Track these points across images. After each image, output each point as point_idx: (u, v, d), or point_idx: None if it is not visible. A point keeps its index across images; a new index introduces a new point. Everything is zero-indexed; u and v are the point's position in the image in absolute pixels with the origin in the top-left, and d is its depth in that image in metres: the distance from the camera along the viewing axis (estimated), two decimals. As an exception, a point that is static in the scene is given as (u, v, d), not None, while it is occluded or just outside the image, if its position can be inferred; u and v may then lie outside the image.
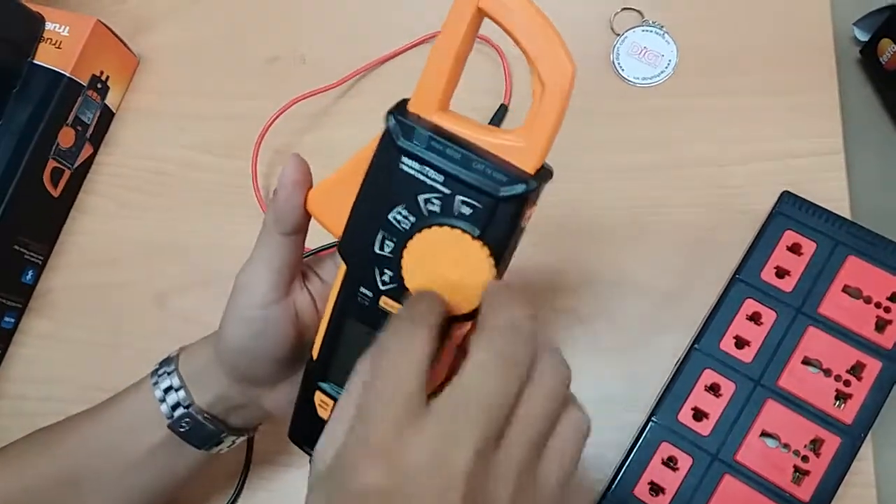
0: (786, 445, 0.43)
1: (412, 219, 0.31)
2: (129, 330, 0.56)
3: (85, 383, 0.55)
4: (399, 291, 0.32)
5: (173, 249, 0.58)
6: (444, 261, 0.31)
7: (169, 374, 0.40)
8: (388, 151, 0.31)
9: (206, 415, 0.40)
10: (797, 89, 0.54)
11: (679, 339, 0.49)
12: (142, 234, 0.58)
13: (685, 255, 0.51)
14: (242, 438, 0.43)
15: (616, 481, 0.44)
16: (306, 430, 0.38)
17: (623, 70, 0.56)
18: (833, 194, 0.50)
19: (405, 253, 0.31)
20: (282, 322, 0.37)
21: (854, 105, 0.55)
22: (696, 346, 0.46)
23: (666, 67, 0.55)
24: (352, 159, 0.33)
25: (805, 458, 0.43)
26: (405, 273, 0.32)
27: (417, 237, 0.31)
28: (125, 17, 0.63)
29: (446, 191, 0.30)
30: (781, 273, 0.46)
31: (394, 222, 0.31)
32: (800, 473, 0.43)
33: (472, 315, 0.32)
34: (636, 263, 0.52)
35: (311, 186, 0.35)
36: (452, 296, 0.31)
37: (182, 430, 0.40)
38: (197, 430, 0.40)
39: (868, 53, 0.56)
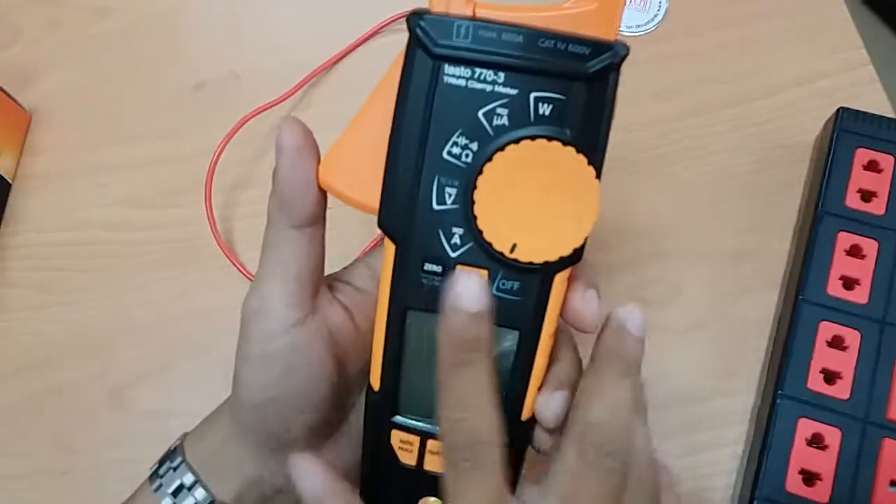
0: (938, 387, 0.37)
1: (475, 146, 0.23)
2: (83, 445, 0.43)
3: (38, 528, 0.42)
4: (479, 250, 0.24)
5: (122, 332, 0.45)
6: (530, 189, 0.23)
7: (175, 469, 0.30)
8: (421, 67, 0.23)
9: None
10: (801, 8, 0.49)
11: (763, 296, 0.42)
12: (77, 322, 0.46)
13: (739, 206, 0.45)
14: None
15: (761, 479, 0.36)
16: (384, 493, 0.28)
17: (612, 21, 0.49)
18: (875, 107, 0.45)
19: (476, 196, 0.23)
20: (313, 349, 0.27)
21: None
22: (800, 297, 0.39)
23: (658, 11, 0.49)
24: (368, 102, 0.25)
25: (966, 397, 0.36)
26: (482, 223, 0.23)
27: (488, 168, 0.23)
28: (7, 68, 0.51)
29: (513, 91, 0.23)
30: (867, 196, 0.40)
31: (451, 159, 0.23)
32: (965, 416, 0.36)
33: (577, 256, 0.24)
34: (688, 226, 0.45)
35: (318, 158, 0.26)
36: (547, 238, 0.24)
37: None
38: None
39: (852, -35, 0.52)
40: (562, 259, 0.24)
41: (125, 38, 0.53)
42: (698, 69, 0.48)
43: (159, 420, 0.43)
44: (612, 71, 0.22)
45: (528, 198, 0.23)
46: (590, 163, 0.23)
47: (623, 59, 0.22)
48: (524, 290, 0.24)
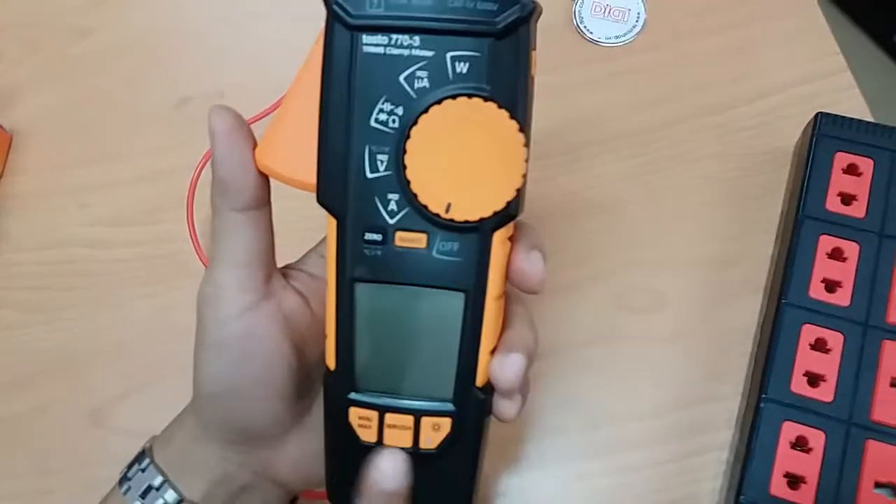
0: (922, 388, 0.36)
1: (400, 111, 0.24)
2: (63, 465, 0.43)
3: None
4: (416, 214, 0.24)
5: (104, 350, 0.45)
6: (457, 148, 0.23)
7: (143, 471, 0.30)
8: (341, 41, 0.24)
9: None
10: (778, 16, 0.49)
11: (747, 302, 0.42)
12: (59, 341, 0.45)
13: (722, 213, 0.45)
14: None
15: (745, 483, 0.35)
16: (350, 476, 0.28)
17: (591, 32, 0.49)
18: (854, 112, 0.45)
19: (407, 160, 0.24)
20: (268, 334, 0.27)
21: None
22: (783, 300, 0.39)
23: (636, 21, 0.50)
24: (295, 82, 0.25)
25: (949, 397, 0.36)
26: (415, 186, 0.24)
27: (415, 131, 0.23)
28: (-15, 89, 0.51)
29: (430, 53, 0.23)
30: (847, 199, 0.40)
31: (379, 126, 0.24)
32: (950, 416, 0.36)
33: (512, 211, 0.24)
34: (672, 234, 0.45)
35: (254, 142, 0.27)
36: (479, 194, 0.24)
37: None
38: None
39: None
40: (496, 214, 0.24)
41: (106, 57, 0.53)
42: (677, 78, 0.49)
43: (141, 439, 0.42)
44: (521, 24, 0.23)
45: (457, 156, 0.23)
46: (512, 116, 0.23)
47: (532, 11, 0.23)
48: (464, 249, 0.25)
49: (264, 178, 0.27)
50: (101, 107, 0.52)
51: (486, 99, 0.23)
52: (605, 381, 0.42)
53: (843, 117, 0.42)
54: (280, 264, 0.30)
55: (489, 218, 0.24)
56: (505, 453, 0.40)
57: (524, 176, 0.24)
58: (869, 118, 0.45)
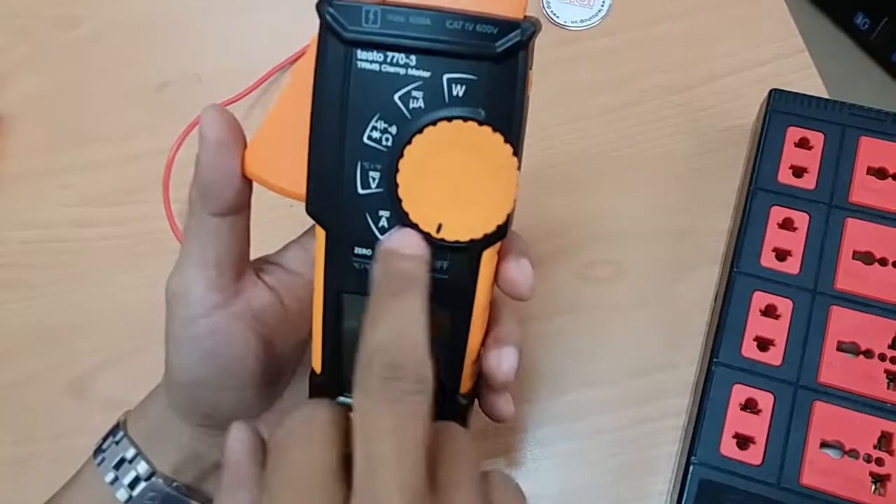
0: (868, 352, 0.37)
1: (394, 130, 0.23)
2: (41, 435, 0.44)
3: (-2, 515, 0.42)
4: None
5: (83, 325, 0.46)
6: (450, 170, 0.23)
7: (117, 443, 0.31)
8: (334, 53, 0.23)
9: (175, 484, 0.30)
10: (739, 2, 0.51)
11: (704, 273, 0.43)
12: (39, 317, 0.47)
13: (681, 188, 0.46)
14: None
15: (696, 444, 0.37)
16: None
17: (558, 17, 0.51)
18: (811, 91, 0.46)
19: (399, 178, 0.23)
20: (236, 331, 0.27)
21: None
22: (735, 269, 0.40)
23: (602, 6, 0.51)
24: (286, 90, 0.25)
25: (894, 360, 0.37)
26: (407, 205, 0.24)
27: (408, 151, 0.23)
28: (-29, 75, 0.53)
29: (425, 74, 0.23)
30: (798, 172, 0.42)
31: (372, 144, 0.24)
32: (893, 377, 0.37)
33: (502, 232, 0.24)
34: (633, 209, 0.46)
35: (244, 148, 0.26)
36: (471, 216, 0.24)
37: None
38: None
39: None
40: (486, 236, 0.24)
41: (91, 44, 0.55)
42: (640, 61, 0.50)
43: (118, 409, 0.43)
44: (520, 49, 0.23)
45: (450, 178, 0.23)
46: (506, 140, 0.23)
47: (532, 36, 0.23)
48: (453, 268, 0.25)
49: (247, 184, 0.26)
50: (86, 92, 0.53)
51: (481, 123, 0.23)
52: (570, 351, 0.43)
53: (796, 93, 0.43)
54: (260, 252, 0.30)
55: (479, 240, 0.24)
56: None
57: (516, 199, 0.24)
58: (825, 97, 0.46)
